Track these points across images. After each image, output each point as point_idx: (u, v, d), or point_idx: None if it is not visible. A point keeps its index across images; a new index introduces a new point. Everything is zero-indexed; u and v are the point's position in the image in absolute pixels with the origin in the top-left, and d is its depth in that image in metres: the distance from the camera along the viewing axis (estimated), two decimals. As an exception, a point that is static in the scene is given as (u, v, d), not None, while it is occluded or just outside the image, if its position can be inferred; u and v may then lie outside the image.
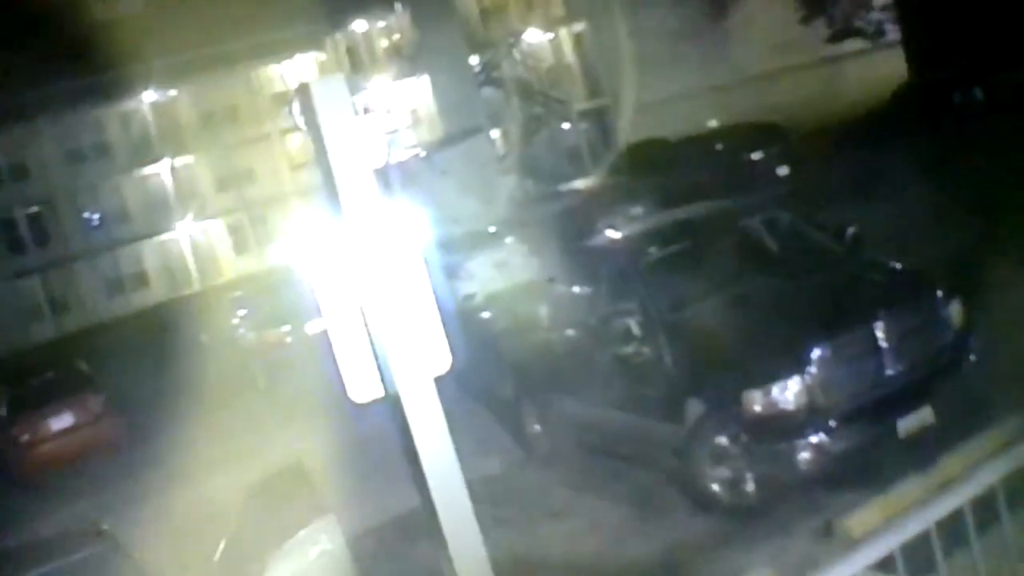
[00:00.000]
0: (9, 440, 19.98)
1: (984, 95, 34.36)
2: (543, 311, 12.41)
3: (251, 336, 23.60)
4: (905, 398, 9.56)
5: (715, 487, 9.87)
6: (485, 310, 14.74)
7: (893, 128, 31.08)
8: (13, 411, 20.41)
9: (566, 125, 46.16)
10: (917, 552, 4.70)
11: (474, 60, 46.65)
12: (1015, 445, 4.59)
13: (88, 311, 51.53)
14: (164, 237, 53.73)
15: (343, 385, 5.43)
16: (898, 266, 11.19)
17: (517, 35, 48.12)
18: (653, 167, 26.03)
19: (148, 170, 53.09)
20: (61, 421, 19.96)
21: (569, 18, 47.87)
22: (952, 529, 4.65)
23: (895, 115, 33.57)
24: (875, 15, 48.31)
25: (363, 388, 5.42)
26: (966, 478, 4.55)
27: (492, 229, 22.44)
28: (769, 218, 12.05)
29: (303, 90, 5.25)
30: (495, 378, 13.47)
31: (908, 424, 9.46)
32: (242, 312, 24.82)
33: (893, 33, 47.26)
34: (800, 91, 40.63)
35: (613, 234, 12.66)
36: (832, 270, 11.05)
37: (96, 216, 53.17)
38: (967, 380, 9.96)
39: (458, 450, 5.45)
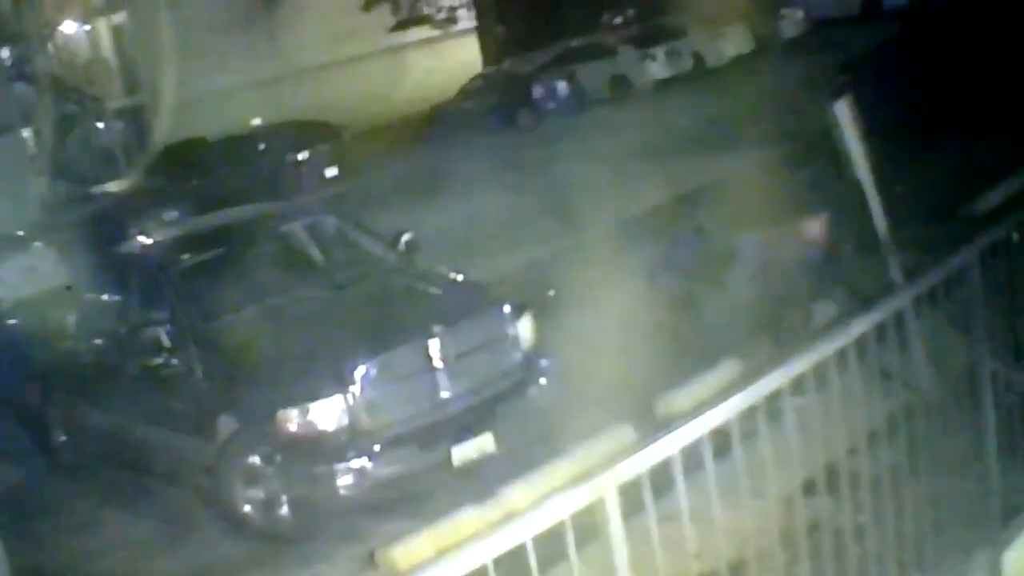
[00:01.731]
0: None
1: (570, 89, 35.78)
2: (71, 319, 12.39)
3: None
4: (462, 423, 9.71)
5: (247, 508, 9.95)
6: (11, 317, 14.62)
7: (463, 124, 31.85)
8: None
9: (101, 124, 45.00)
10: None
11: (4, 53, 44.82)
12: (586, 477, 4.60)
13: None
14: None
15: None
16: (459, 277, 11.34)
17: (52, 26, 46.50)
18: (192, 169, 25.82)
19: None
20: None
21: (108, 8, 46.60)
22: (513, 566, 4.66)
23: (465, 110, 34.47)
24: (446, 1, 49.45)
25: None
26: (530, 511, 4.53)
27: (20, 233, 21.74)
28: (314, 223, 12.21)
29: None
30: (21, 385, 13.33)
31: (465, 452, 9.61)
32: None
33: (467, 21, 48.58)
34: (359, 85, 41.09)
35: (144, 240, 12.72)
36: (383, 280, 11.22)
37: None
38: (535, 405, 10.14)
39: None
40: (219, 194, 18.01)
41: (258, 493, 9.94)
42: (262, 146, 27.90)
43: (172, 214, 18.12)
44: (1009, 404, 6.60)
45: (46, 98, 43.95)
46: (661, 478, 4.60)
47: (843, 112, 9.74)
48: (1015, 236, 6.61)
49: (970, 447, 6.44)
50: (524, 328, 10.27)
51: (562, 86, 36.02)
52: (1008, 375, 6.61)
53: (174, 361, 10.52)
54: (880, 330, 5.65)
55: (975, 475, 6.48)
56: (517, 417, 10.02)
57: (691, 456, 4.70)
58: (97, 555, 10.65)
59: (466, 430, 9.69)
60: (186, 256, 11.76)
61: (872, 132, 9.89)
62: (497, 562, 4.18)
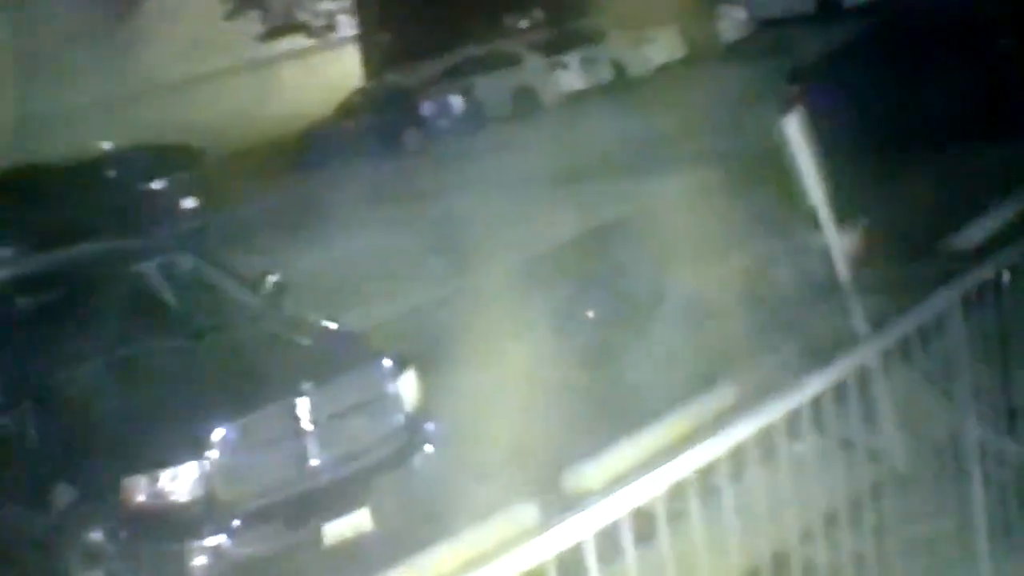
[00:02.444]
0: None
1: (465, 104, 35.56)
2: None
3: None
4: (335, 496, 9.67)
5: None
6: None
7: (340, 147, 31.75)
8: None
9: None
10: None
11: None
12: (480, 563, 4.52)
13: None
14: None
15: None
16: (333, 326, 11.39)
17: None
18: (27, 199, 25.57)
19: None
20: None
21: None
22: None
23: (344, 130, 34.32)
24: (324, 6, 49.08)
25: None
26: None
27: None
28: (169, 262, 12.14)
29: None
30: None
31: (338, 529, 9.58)
32: None
33: (347, 28, 48.33)
34: (223, 103, 40.98)
35: None
36: (246, 329, 11.18)
37: None
38: (419, 477, 10.09)
39: None
40: (60, 228, 18.00)
41: (99, 575, 9.73)
42: (111, 173, 27.74)
43: (4, 251, 18.03)
44: (1002, 480, 6.36)
45: None
46: (570, 566, 4.51)
47: (793, 128, 9.67)
48: (1005, 277, 6.41)
49: (953, 531, 6.27)
50: (407, 386, 10.22)
51: (456, 101, 35.74)
52: (1000, 445, 6.43)
53: (5, 421, 10.40)
54: (840, 390, 5.49)
55: (960, 564, 6.30)
56: (399, 490, 9.99)
57: (607, 541, 4.61)
58: None
59: (340, 504, 9.63)
60: (20, 299, 11.72)
61: (829, 151, 9.83)
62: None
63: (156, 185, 26.94)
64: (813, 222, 9.75)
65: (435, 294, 15.85)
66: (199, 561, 9.33)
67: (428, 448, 10.17)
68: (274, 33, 48.76)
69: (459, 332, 12.71)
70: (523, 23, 46.30)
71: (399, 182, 26.71)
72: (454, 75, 37.08)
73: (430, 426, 10.27)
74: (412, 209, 21.67)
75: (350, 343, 11.05)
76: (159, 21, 45.23)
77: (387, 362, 10.22)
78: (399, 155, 32.65)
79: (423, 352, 11.32)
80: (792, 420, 5.23)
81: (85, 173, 28.07)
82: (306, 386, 9.65)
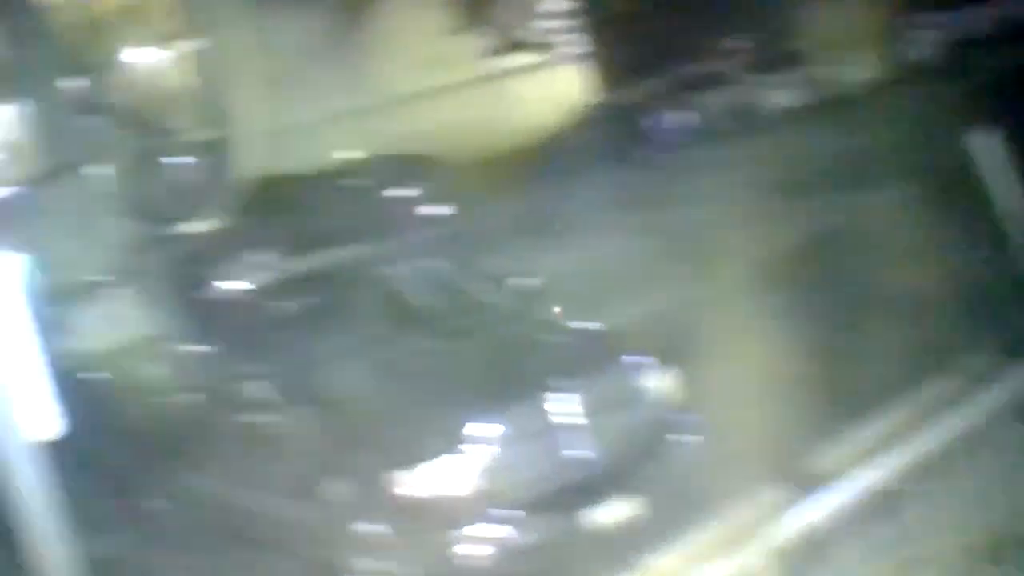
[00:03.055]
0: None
1: (687, 120, 35.83)
2: (158, 372, 12.80)
3: None
4: (600, 485, 9.79)
5: None
6: (96, 369, 14.71)
7: (571, 159, 32.02)
8: None
9: (182, 159, 45.67)
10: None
11: (78, 83, 45.80)
12: (738, 541, 4.68)
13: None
14: None
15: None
16: (587, 327, 11.52)
17: (126, 55, 47.50)
18: (280, 207, 26.10)
19: None
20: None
21: (187, 34, 47.30)
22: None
23: (573, 143, 34.59)
24: (548, 24, 49.54)
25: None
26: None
27: (96, 279, 22.55)
28: (422, 268, 12.64)
29: None
30: (110, 447, 13.38)
31: (602, 517, 9.65)
32: None
33: (569, 46, 48.75)
34: (455, 115, 41.48)
35: (235, 285, 13.17)
36: (502, 331, 11.38)
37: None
38: (678, 464, 10.21)
39: (70, 527, 5.75)
40: (312, 235, 18.25)
41: (373, 563, 9.99)
42: (358, 182, 28.29)
43: (269, 256, 18.57)
44: None
45: (119, 133, 44.84)
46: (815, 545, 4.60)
47: (987, 144, 9.65)
48: None
49: None
50: (663, 381, 10.44)
51: (678, 117, 35.98)
52: None
53: (277, 419, 10.83)
54: None
55: None
56: (659, 477, 10.08)
57: (852, 518, 4.70)
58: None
59: (602, 493, 9.76)
60: (284, 303, 12.22)
61: None
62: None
63: (403, 193, 27.46)
64: (1010, 229, 9.79)
65: (677, 296, 15.81)
66: (470, 551, 9.51)
67: (684, 438, 10.34)
68: (500, 50, 49.33)
69: (700, 331, 12.77)
70: (736, 45, 46.58)
71: (632, 192, 26.83)
72: (675, 92, 37.29)
73: (684, 417, 10.44)
74: (647, 217, 21.69)
75: (604, 343, 11.13)
76: (393, 37, 46.01)
77: (643, 360, 10.43)
78: (628, 167, 32.85)
79: (670, 349, 11.40)
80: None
81: (332, 182, 28.74)
82: (564, 383, 9.89)
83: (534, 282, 12.11)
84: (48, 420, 5.89)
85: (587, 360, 10.60)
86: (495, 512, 9.58)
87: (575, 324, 11.65)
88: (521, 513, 9.62)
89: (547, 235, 21.27)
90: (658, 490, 9.96)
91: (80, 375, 13.99)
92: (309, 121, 38.56)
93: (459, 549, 9.54)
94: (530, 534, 9.62)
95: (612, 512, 9.72)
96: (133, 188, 35.79)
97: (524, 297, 11.97)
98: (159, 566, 12.30)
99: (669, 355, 10.99)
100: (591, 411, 9.89)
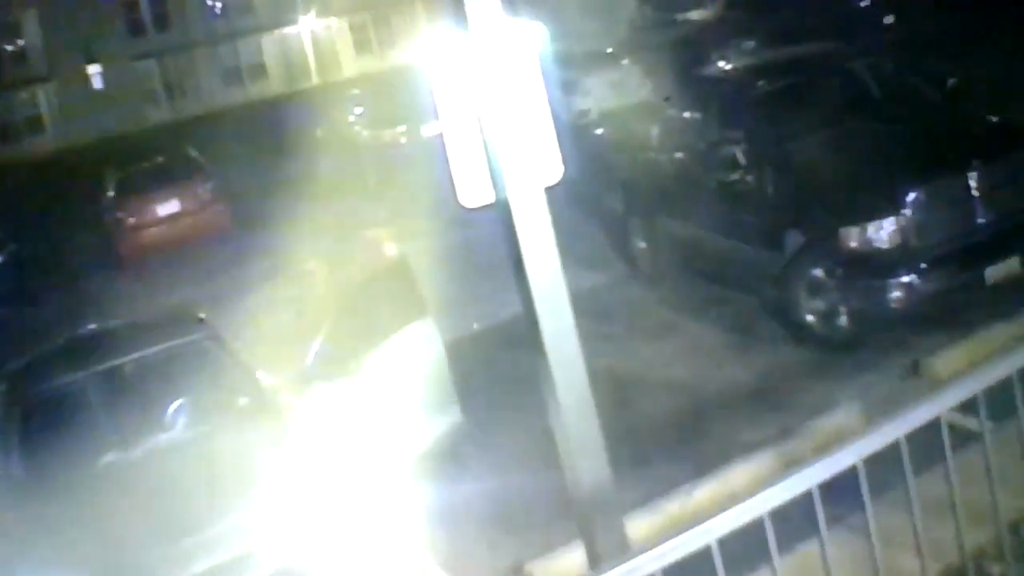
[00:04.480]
0: (115, 222, 22.61)
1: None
2: (654, 132, 13.84)
3: (365, 134, 26.00)
4: (994, 247, 10.67)
5: (810, 318, 11.29)
6: (598, 126, 16.17)
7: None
8: (121, 193, 22.95)
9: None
10: (998, 397, 5.21)
11: None
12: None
13: (204, 99, 57.47)
14: (286, 31, 60.13)
15: (453, 189, 5.89)
16: (995, 119, 12.45)
17: None
18: (765, 5, 27.11)
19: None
20: (168, 206, 22.53)
21: None
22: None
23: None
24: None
25: (474, 193, 5.87)
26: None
27: (609, 50, 24.48)
28: (873, 63, 13.46)
29: None
30: (604, 193, 14.90)
31: (996, 272, 10.62)
32: (358, 110, 27.38)
33: None
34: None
35: (724, 65, 14.41)
36: (930, 118, 12.34)
37: (218, 4, 59.97)
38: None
39: (563, 261, 5.94)
40: (789, 30, 18.88)
41: (820, 304, 11.17)
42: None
43: (749, 44, 19.75)
44: None
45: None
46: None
47: None
48: None
49: None
50: None
51: None
52: None
53: (748, 178, 11.97)
54: None
55: None
56: None
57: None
58: (669, 361, 11.90)
59: (998, 252, 10.63)
60: (761, 83, 13.28)
61: None
62: (1021, 372, 5.06)
63: (863, 2, 28.09)
64: None
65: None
66: (895, 294, 10.52)
67: None
68: None
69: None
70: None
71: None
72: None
73: None
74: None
75: (1010, 132, 11.88)
76: None
77: None
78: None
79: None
80: None
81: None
82: (976, 162, 10.77)
83: (959, 81, 12.64)
84: (553, 166, 5.86)
85: (996, 146, 11.36)
86: (916, 263, 10.53)
87: (988, 117, 12.57)
88: (935, 265, 10.59)
89: (973, 46, 20.55)
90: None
91: (586, 131, 16.18)
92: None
93: (887, 291, 10.55)
94: (941, 283, 10.62)
95: (1004, 268, 10.63)
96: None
97: (951, 93, 12.64)
98: (639, 298, 13.66)
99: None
100: (993, 186, 10.73)
